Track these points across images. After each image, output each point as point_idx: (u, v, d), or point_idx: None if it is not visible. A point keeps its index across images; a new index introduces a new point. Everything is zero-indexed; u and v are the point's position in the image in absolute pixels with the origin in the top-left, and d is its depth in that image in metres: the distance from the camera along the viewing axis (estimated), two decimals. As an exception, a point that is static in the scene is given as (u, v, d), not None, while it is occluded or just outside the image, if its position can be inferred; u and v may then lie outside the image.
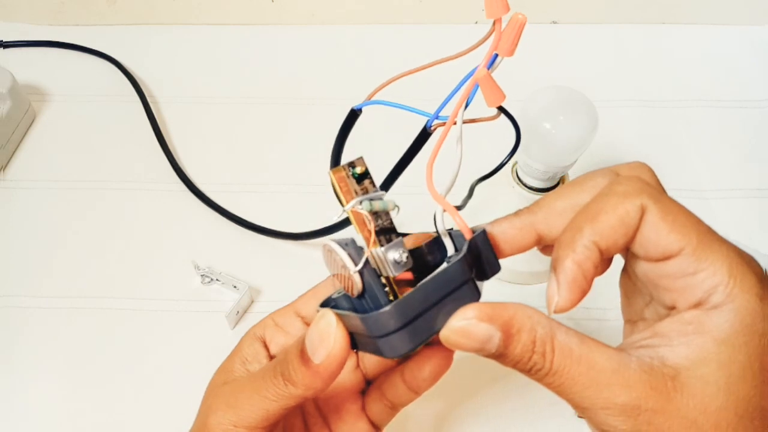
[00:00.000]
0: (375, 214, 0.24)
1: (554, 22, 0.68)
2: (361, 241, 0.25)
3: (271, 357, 0.30)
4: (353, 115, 0.31)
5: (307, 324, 0.31)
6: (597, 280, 0.24)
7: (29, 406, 0.45)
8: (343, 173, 0.25)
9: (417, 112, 0.28)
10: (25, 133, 0.61)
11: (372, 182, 0.25)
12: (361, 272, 0.24)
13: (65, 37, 0.68)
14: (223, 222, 0.54)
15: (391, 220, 0.25)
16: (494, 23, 0.23)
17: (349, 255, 0.24)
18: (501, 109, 0.27)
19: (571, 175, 0.45)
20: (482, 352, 0.23)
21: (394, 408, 0.31)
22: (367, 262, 0.24)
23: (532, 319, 0.23)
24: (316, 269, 0.51)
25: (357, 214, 0.24)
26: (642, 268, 0.24)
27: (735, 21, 0.68)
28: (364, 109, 0.30)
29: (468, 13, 0.69)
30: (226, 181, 0.57)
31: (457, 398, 0.45)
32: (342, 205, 0.25)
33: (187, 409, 0.45)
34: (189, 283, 0.50)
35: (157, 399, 0.45)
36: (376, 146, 0.47)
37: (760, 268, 0.23)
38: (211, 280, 0.50)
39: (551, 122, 0.41)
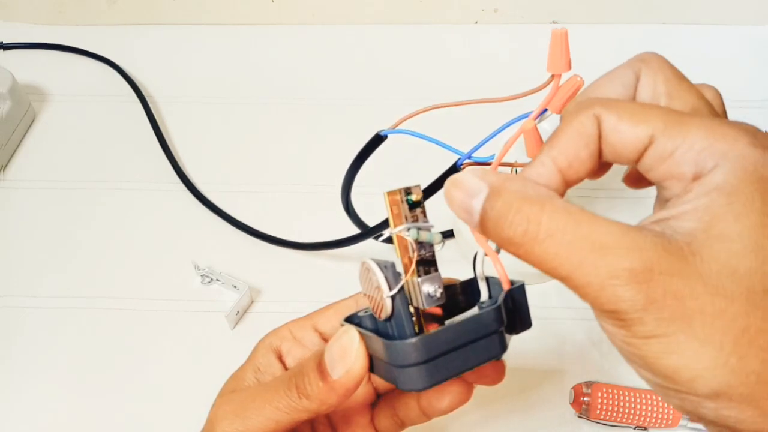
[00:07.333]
0: (420, 244, 0.24)
1: (554, 22, 0.68)
2: (400, 267, 0.25)
3: (287, 369, 0.30)
4: (378, 140, 0.31)
5: (326, 340, 0.30)
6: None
7: (28, 406, 0.45)
8: (398, 197, 0.25)
9: (448, 149, 0.27)
10: (25, 133, 0.61)
11: (424, 212, 0.25)
12: (393, 297, 0.24)
13: (65, 37, 0.68)
14: (223, 223, 0.54)
15: (433, 253, 0.25)
16: (552, 77, 0.23)
17: (386, 278, 0.24)
18: None
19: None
20: (467, 212, 0.21)
21: (402, 425, 0.31)
22: (402, 288, 0.24)
23: (526, 184, 0.21)
24: (315, 271, 0.51)
25: (402, 240, 0.24)
26: (644, 175, 0.22)
27: (735, 21, 0.68)
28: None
29: (468, 13, 0.69)
30: (225, 182, 0.57)
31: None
32: (390, 227, 0.25)
33: (187, 408, 0.45)
34: (189, 283, 0.50)
35: (157, 398, 0.45)
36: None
37: (747, 124, 0.20)
38: (211, 280, 0.50)
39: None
